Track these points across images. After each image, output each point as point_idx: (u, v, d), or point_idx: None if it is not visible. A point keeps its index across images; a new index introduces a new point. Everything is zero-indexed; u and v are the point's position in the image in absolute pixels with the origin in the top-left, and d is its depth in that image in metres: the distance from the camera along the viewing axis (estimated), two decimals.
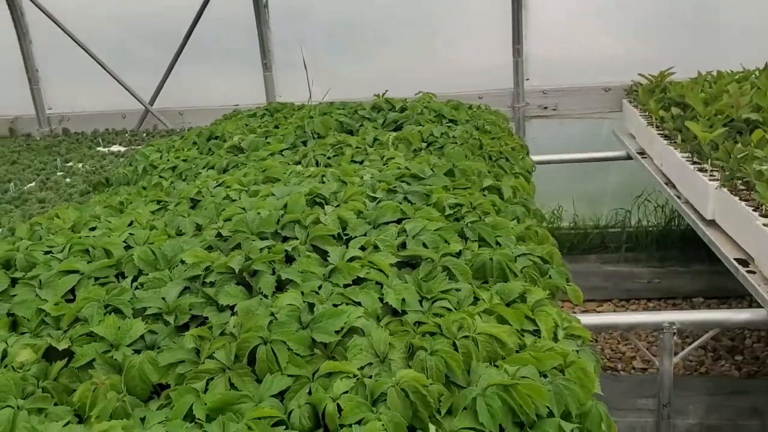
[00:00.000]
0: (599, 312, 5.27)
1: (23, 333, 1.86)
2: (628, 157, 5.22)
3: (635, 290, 5.44)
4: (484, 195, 2.74)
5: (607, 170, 6.05)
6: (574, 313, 3.37)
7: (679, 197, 4.06)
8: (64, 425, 1.43)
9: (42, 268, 2.11)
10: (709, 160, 3.69)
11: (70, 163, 5.19)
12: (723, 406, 3.89)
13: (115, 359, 1.67)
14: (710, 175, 3.67)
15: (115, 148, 5.60)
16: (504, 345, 1.69)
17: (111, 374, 1.63)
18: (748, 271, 3.09)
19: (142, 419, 1.46)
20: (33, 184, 4.67)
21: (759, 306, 2.92)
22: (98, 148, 5.64)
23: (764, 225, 2.99)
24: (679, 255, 5.74)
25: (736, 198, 3.33)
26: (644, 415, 3.74)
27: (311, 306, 1.73)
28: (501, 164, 3.38)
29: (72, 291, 2.02)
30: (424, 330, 1.68)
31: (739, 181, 3.44)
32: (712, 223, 3.61)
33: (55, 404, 1.56)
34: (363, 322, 1.68)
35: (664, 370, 2.93)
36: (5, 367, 1.67)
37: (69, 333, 1.77)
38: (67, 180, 4.70)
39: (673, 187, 4.21)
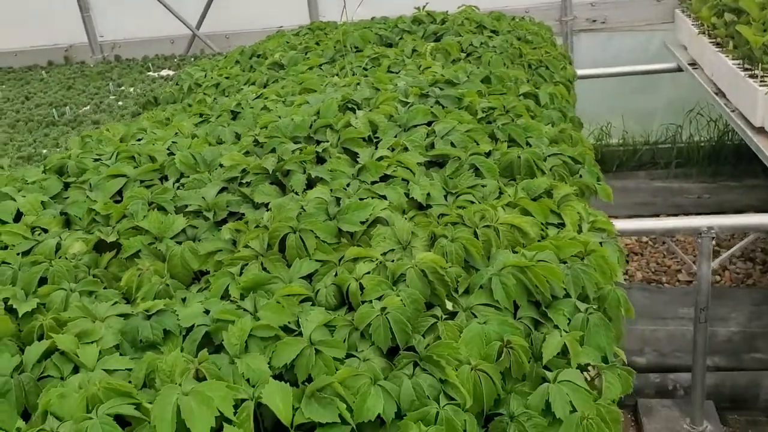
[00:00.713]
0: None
1: (76, 230, 1.99)
2: (679, 69, 5.07)
3: (684, 205, 5.37)
4: (520, 100, 2.74)
5: (658, 85, 5.88)
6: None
7: (729, 107, 3.95)
8: (112, 305, 1.56)
9: (92, 173, 2.24)
10: (760, 64, 3.56)
11: (122, 88, 5.34)
12: (767, 315, 3.88)
13: (159, 250, 1.79)
14: (761, 81, 3.55)
15: (164, 72, 5.73)
16: (526, 234, 1.74)
17: (155, 263, 1.75)
18: None
19: (183, 299, 1.58)
20: (88, 107, 4.85)
21: None
22: (148, 73, 5.77)
23: None
24: (732, 170, 5.61)
25: None
26: (685, 323, 3.76)
27: (338, 200, 1.81)
28: (541, 72, 3.35)
29: (119, 193, 2.14)
30: (447, 221, 1.74)
31: None
32: (761, 131, 3.52)
33: (105, 288, 1.70)
34: (387, 213, 1.75)
35: (702, 275, 2.94)
36: (59, 258, 1.81)
37: (117, 227, 1.89)
38: (120, 103, 4.86)
39: (723, 96, 4.09)
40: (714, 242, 2.89)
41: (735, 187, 5.40)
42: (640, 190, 5.60)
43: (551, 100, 2.89)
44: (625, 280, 4.53)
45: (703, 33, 4.64)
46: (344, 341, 1.37)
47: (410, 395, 1.25)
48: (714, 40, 4.45)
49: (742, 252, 4.66)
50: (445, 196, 1.91)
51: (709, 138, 5.79)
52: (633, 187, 5.66)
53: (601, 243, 1.83)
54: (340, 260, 1.64)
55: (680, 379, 3.53)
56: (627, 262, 4.75)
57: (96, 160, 2.38)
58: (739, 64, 3.89)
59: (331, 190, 1.88)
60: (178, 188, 2.08)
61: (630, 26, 5.75)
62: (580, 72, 5.05)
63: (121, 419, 1.20)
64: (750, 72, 3.72)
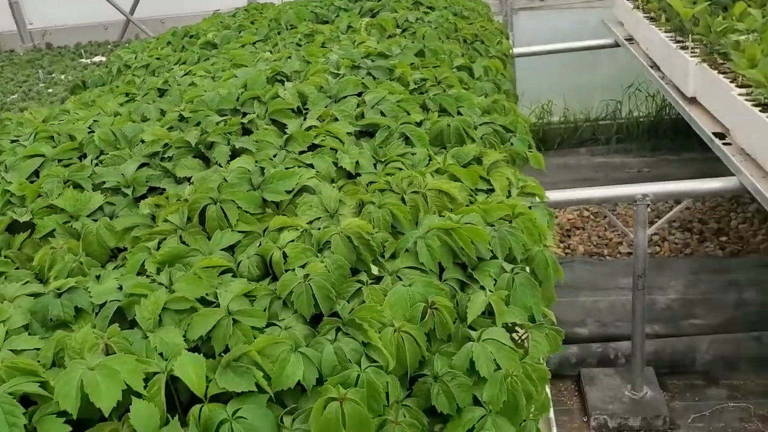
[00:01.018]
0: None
1: None
2: (616, 45, 5.13)
3: (625, 180, 5.45)
4: (454, 73, 2.71)
5: (597, 62, 5.95)
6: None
7: (663, 79, 4.01)
8: (23, 284, 1.48)
9: (8, 155, 2.14)
10: (691, 36, 3.62)
11: (53, 75, 5.16)
12: (703, 282, 3.96)
13: (75, 229, 1.71)
14: (691, 52, 3.61)
15: (97, 59, 5.55)
16: (454, 200, 1.71)
17: (70, 241, 1.67)
18: (724, 143, 3.09)
19: (98, 277, 1.51)
20: (15, 95, 4.66)
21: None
22: (81, 60, 5.59)
23: (739, 96, 2.97)
24: (670, 144, 5.72)
25: (715, 72, 3.29)
26: (625, 293, 3.81)
27: (263, 169, 1.75)
28: (476, 47, 3.34)
29: (36, 173, 2.05)
30: (375, 188, 1.71)
31: (719, 56, 3.39)
32: (693, 101, 3.58)
33: (17, 269, 1.61)
34: (315, 182, 1.71)
35: (639, 242, 2.97)
36: None
37: (31, 207, 1.80)
38: (49, 90, 4.69)
39: (658, 69, 4.15)
40: (650, 210, 2.93)
41: (673, 160, 5.52)
42: (581, 166, 5.67)
43: (485, 73, 2.88)
44: (567, 254, 4.60)
45: (638, 8, 4.70)
46: (265, 310, 1.32)
47: (332, 360, 1.21)
48: (648, 15, 4.51)
49: (680, 223, 4.76)
50: (375, 165, 1.87)
51: (648, 113, 5.90)
52: (574, 164, 5.73)
53: (530, 207, 1.82)
54: (264, 231, 1.59)
55: (621, 347, 3.58)
56: (569, 236, 4.81)
57: (13, 141, 2.27)
58: (671, 36, 3.95)
59: (256, 160, 1.83)
60: (96, 165, 1.99)
61: (568, 4, 5.80)
62: (519, 50, 5.08)
63: (27, 399, 1.14)
64: (682, 44, 3.78)
